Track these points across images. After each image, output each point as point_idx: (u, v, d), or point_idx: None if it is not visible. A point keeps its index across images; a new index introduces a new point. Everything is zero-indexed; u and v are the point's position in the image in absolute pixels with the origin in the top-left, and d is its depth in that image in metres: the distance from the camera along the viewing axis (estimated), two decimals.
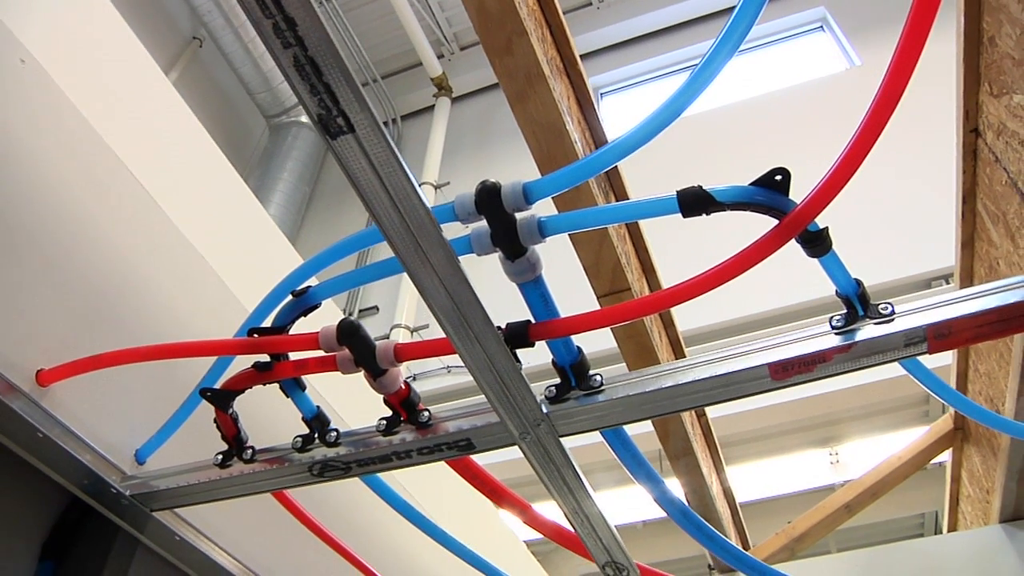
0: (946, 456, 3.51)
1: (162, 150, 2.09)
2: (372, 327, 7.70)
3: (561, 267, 2.13)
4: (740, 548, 3.12)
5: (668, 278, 2.55)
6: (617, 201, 2.17)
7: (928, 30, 0.96)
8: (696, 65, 0.98)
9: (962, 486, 3.47)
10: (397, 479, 2.43)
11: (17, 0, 1.68)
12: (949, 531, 3.68)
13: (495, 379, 1.14)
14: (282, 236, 2.59)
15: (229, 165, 2.42)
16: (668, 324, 2.52)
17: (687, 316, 5.52)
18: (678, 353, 2.57)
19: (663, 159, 6.00)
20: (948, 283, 5.47)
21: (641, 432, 1.80)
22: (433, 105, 9.91)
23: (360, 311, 7.88)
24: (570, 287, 2.25)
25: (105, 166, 1.77)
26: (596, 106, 7.36)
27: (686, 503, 2.72)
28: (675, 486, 2.73)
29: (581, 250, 1.82)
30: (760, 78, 8.47)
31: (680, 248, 4.22)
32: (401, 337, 7.15)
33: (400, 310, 7.30)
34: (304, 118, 9.72)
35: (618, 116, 9.16)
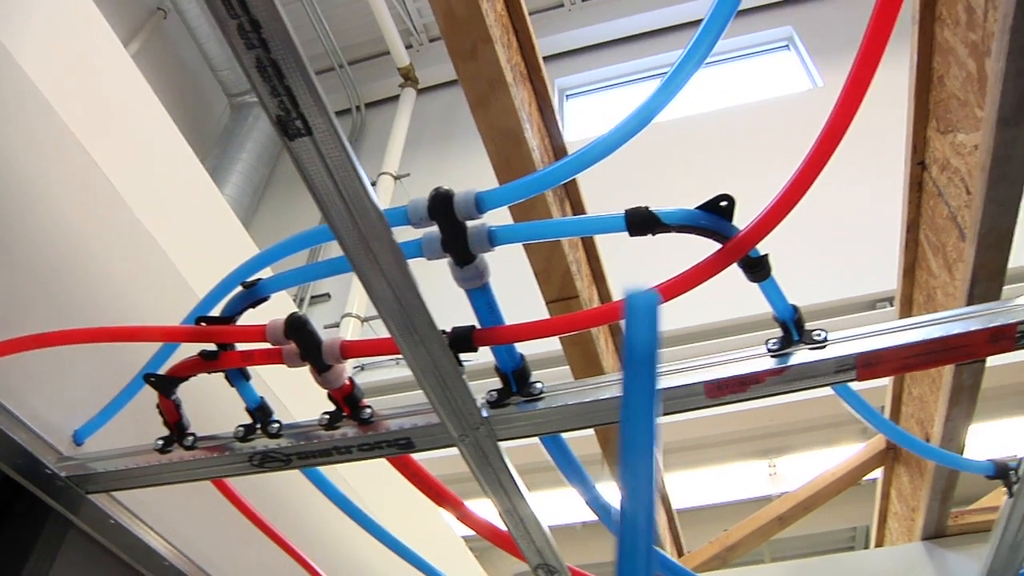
0: (878, 474, 3.61)
1: (116, 124, 2.06)
2: (324, 314, 7.66)
3: (515, 270, 2.17)
4: (669, 556, 3.18)
5: (620, 286, 2.59)
6: (572, 209, 2.21)
7: (874, 68, 1.00)
8: (659, 84, 1.01)
9: (890, 503, 3.57)
10: (340, 472, 2.44)
11: None
12: (876, 546, 3.78)
13: (438, 382, 1.16)
14: (236, 220, 2.57)
15: (184, 143, 2.39)
16: (615, 331, 2.56)
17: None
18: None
19: (621, 166, 6.05)
20: (892, 305, 5.62)
21: (586, 435, 1.84)
22: (398, 95, 9.87)
23: (312, 298, 7.83)
24: (523, 290, 2.28)
25: (54, 137, 1.74)
26: (561, 108, 7.37)
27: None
28: (615, 490, 2.76)
29: (532, 255, 1.85)
30: (725, 91, 8.58)
31: (633, 256, 4.27)
32: (351, 327, 7.12)
33: (352, 299, 7.26)
34: None
35: (582, 119, 9.21)
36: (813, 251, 6.15)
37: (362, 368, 6.81)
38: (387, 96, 10.27)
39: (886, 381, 3.16)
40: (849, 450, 3.56)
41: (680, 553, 3.61)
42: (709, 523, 5.85)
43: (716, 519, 5.86)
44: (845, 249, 6.11)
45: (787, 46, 8.92)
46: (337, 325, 7.30)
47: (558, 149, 2.16)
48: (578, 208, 2.20)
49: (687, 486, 6.04)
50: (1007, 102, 1.68)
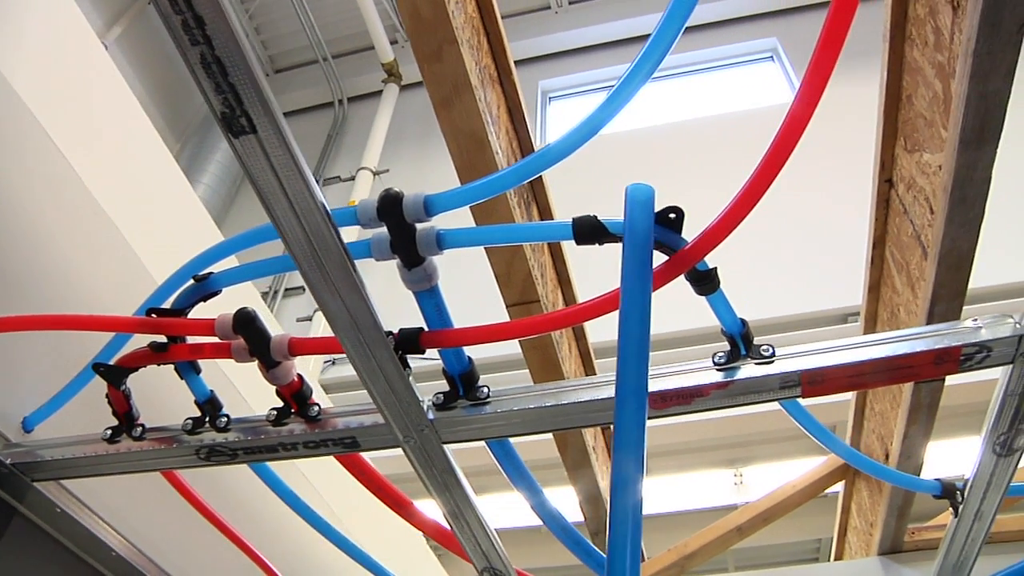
0: (840, 487, 3.64)
1: (84, 113, 2.05)
2: (298, 308, 7.62)
3: (480, 272, 2.16)
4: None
5: (588, 290, 2.60)
6: (540, 213, 2.21)
7: (823, 84, 1.01)
8: (611, 88, 1.02)
9: (850, 517, 3.60)
10: (300, 469, 2.44)
11: None
12: (836, 559, 3.81)
13: (383, 384, 1.16)
14: (205, 213, 2.56)
15: (154, 132, 2.37)
16: (580, 336, 2.57)
17: (605, 329, 5.59)
18: (587, 366, 2.62)
19: (597, 172, 6.08)
20: None
21: (544, 438, 1.84)
22: (381, 90, 9.84)
23: (287, 290, 7.79)
24: (487, 293, 2.28)
25: (18, 126, 1.73)
26: (543, 110, 7.33)
27: (581, 513, 2.78)
28: (573, 494, 2.78)
29: (493, 258, 1.85)
30: (708, 100, 8.62)
31: (604, 259, 4.28)
32: (323, 321, 7.08)
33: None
34: None
35: (565, 121, 9.22)
36: (786, 263, 6.19)
37: (333, 362, 6.78)
38: (370, 91, 10.24)
39: (850, 395, 3.19)
40: (815, 462, 3.59)
41: (641, 559, 3.62)
42: (672, 530, 5.87)
43: (681, 527, 5.88)
44: (820, 261, 6.15)
45: (771, 57, 8.97)
46: (309, 319, 7.27)
47: (528, 152, 2.16)
48: (545, 212, 2.20)
49: (651, 493, 6.06)
50: (968, 124, 1.70)
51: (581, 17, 9.80)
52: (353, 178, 8.67)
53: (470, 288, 3.65)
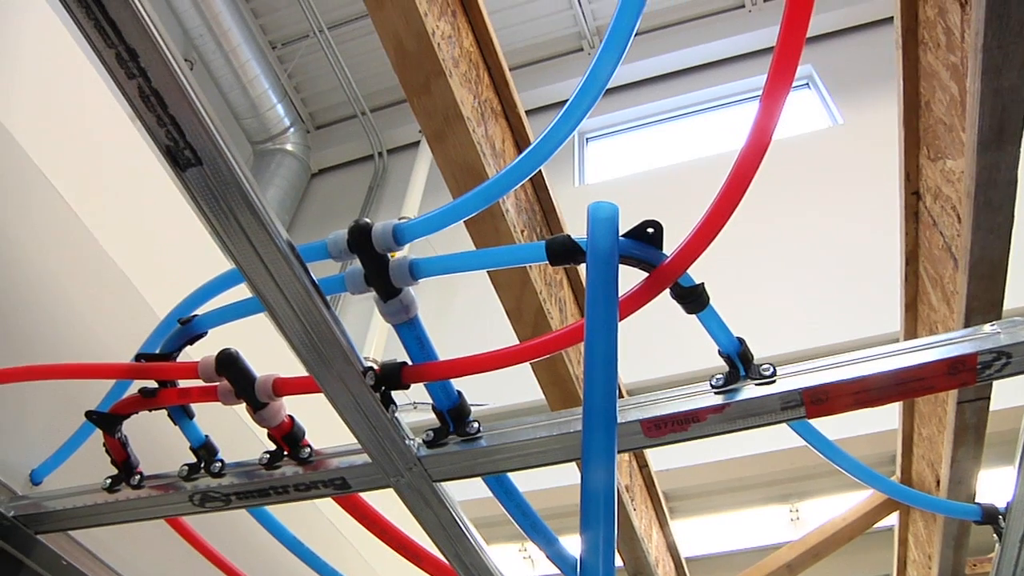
0: (895, 518, 3.49)
1: (84, 149, 2.01)
2: None
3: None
4: None
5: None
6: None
7: (787, 86, 0.97)
8: (566, 101, 0.99)
9: (908, 550, 3.44)
10: (324, 512, 2.40)
11: None
12: None
13: (363, 422, 1.12)
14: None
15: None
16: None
17: (636, 367, 5.45)
18: None
19: (636, 208, 6.02)
20: None
21: (574, 483, 1.77)
22: (419, 141, 9.96)
23: None
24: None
25: (11, 164, 1.73)
26: (581, 150, 7.33)
27: (618, 555, 2.68)
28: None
29: (503, 294, 1.81)
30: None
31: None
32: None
33: (370, 338, 7.21)
34: (290, 146, 9.74)
35: (603, 161, 9.22)
36: (827, 291, 6.05)
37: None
38: (408, 142, 10.38)
39: (895, 423, 3.06)
40: (869, 492, 3.44)
41: None
42: (728, 570, 5.69)
43: (737, 566, 5.70)
44: (861, 287, 5.99)
45: (807, 84, 8.88)
46: None
47: (538, 184, 2.13)
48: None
49: (705, 532, 5.89)
50: (985, 124, 1.63)
51: None
52: None
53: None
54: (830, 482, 5.85)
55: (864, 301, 5.88)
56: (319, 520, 2.39)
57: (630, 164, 8.76)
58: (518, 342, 2.01)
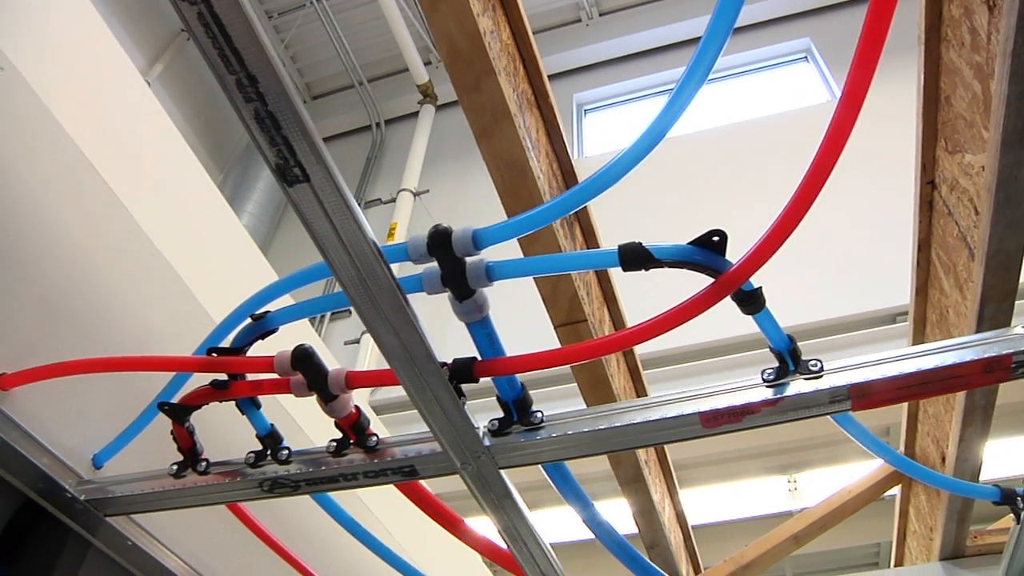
0: (897, 491, 3.59)
1: (132, 153, 2.12)
2: (345, 330, 7.71)
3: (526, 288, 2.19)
4: (684, 574, 3.18)
5: (634, 305, 2.62)
6: (583, 234, 2.23)
7: (865, 90, 1.01)
8: (655, 113, 1.03)
9: (909, 521, 3.55)
10: (356, 492, 2.48)
11: None
12: (895, 566, 3.76)
13: (439, 413, 1.19)
14: (254, 246, 2.63)
15: (202, 170, 2.45)
16: (627, 352, 2.58)
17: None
18: (636, 380, 2.63)
19: (635, 184, 6.07)
20: None
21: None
22: (417, 112, 9.96)
23: (333, 313, 7.88)
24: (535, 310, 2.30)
25: (73, 171, 1.80)
26: (579, 122, 7.33)
27: (636, 526, 2.78)
28: (626, 507, 2.78)
29: (539, 282, 1.87)
30: (742, 105, 8.58)
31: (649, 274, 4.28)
32: (371, 343, 7.17)
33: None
34: None
35: (601, 133, 9.24)
36: (832, 264, 6.13)
37: None
38: (407, 112, 10.36)
39: None
40: (872, 465, 3.54)
41: (697, 571, 3.61)
42: (727, 539, 5.82)
43: (737, 535, 5.83)
44: (866, 262, 6.07)
45: (805, 58, 8.90)
46: (357, 341, 7.35)
47: (567, 174, 2.19)
48: (588, 232, 2.23)
49: (705, 502, 6.02)
50: (1010, 125, 1.69)
51: (612, 28, 9.83)
52: (394, 200, 8.77)
53: (518, 304, 3.68)
54: (827, 453, 5.98)
55: (864, 273, 5.97)
56: (348, 497, 2.47)
57: (629, 136, 8.76)
58: (552, 326, 2.09)
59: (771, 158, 7.27)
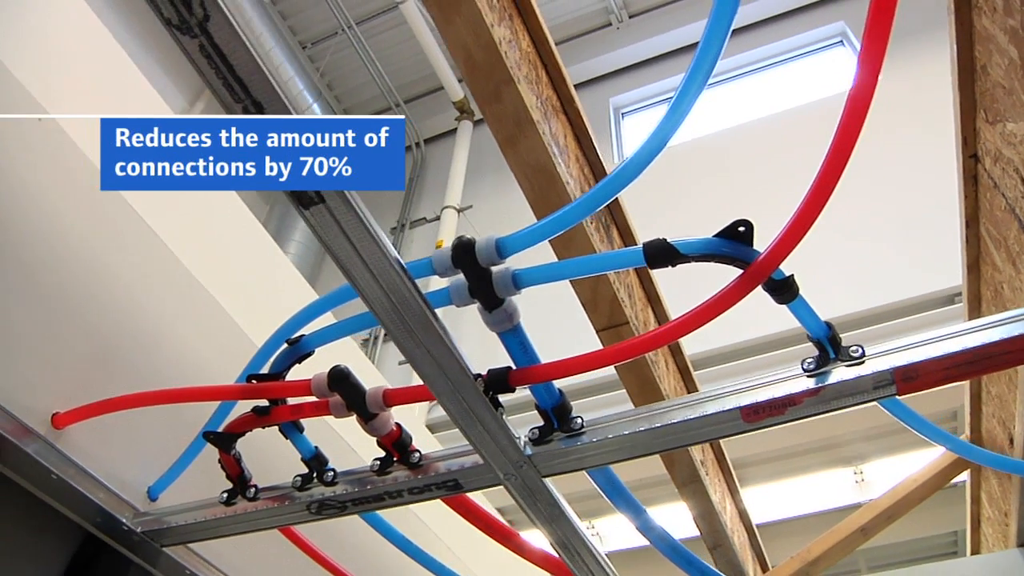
0: (966, 475, 3.49)
1: (174, 193, 2.16)
2: (397, 352, 7.72)
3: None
4: (751, 574, 3.12)
5: (686, 306, 2.57)
6: (619, 233, 2.21)
7: (879, 63, 0.99)
8: (669, 101, 1.02)
9: (982, 507, 3.44)
10: (412, 509, 2.49)
11: (29, 55, 1.76)
12: (972, 553, 3.64)
13: (477, 426, 1.19)
14: (299, 276, 2.66)
15: (244, 207, 2.49)
16: (676, 352, 2.55)
17: (699, 341, 5.50)
18: (687, 380, 2.59)
19: (674, 180, 6.02)
20: None
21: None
22: (455, 128, 10.02)
23: (385, 335, 7.93)
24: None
25: (117, 213, 1.85)
26: (617, 126, 7.28)
27: (696, 528, 2.74)
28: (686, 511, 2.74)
29: (577, 287, 1.86)
30: (779, 95, 8.46)
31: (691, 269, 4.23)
32: None
33: None
34: None
35: (641, 135, 9.18)
36: (883, 249, 6.00)
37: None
38: (445, 130, 10.43)
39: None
40: (938, 452, 3.44)
41: (764, 569, 3.55)
42: (795, 536, 5.71)
43: (806, 531, 5.71)
44: (918, 243, 5.93)
45: (840, 42, 8.74)
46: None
47: (600, 176, 2.17)
48: (624, 232, 2.20)
49: (770, 500, 5.91)
50: None
51: (643, 29, 9.78)
52: (438, 218, 8.81)
53: (560, 312, 3.67)
54: (892, 442, 5.83)
55: (912, 259, 5.83)
56: (405, 514, 2.48)
57: (647, 129, 8.68)
58: (595, 331, 2.07)
59: (815, 145, 7.13)
